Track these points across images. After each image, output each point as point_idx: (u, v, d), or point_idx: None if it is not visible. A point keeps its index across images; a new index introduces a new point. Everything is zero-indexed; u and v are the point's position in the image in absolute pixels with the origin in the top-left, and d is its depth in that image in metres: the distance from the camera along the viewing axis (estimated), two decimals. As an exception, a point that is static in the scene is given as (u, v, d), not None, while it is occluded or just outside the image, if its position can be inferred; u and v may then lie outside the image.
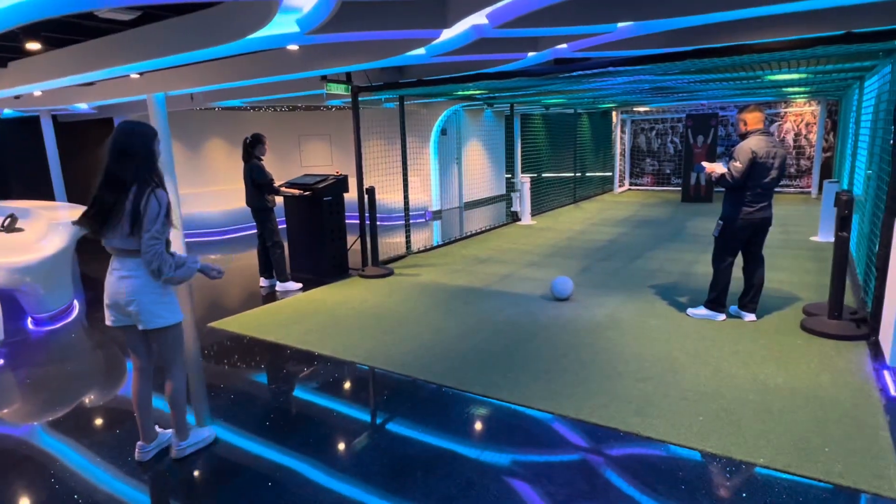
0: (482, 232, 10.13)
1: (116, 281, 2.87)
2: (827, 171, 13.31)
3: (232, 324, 5.48)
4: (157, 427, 3.29)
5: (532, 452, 3.11)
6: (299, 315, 5.64)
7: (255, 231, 6.80)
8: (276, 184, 6.82)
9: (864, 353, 4.22)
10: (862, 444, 3.04)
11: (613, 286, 6.25)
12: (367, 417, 3.63)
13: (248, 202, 6.54)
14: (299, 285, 6.71)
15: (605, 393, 3.73)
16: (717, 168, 4.70)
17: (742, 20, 4.69)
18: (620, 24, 4.27)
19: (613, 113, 15.72)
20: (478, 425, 3.42)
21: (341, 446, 3.28)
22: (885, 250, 4.33)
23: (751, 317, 4.97)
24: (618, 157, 15.90)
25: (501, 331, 4.94)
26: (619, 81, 7.33)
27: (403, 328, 5.11)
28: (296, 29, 4.16)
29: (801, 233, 8.87)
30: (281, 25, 4.08)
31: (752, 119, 4.63)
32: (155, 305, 2.88)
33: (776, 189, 4.56)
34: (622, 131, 16.06)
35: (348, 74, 7.11)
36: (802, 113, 13.64)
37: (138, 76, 7.55)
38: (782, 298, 5.57)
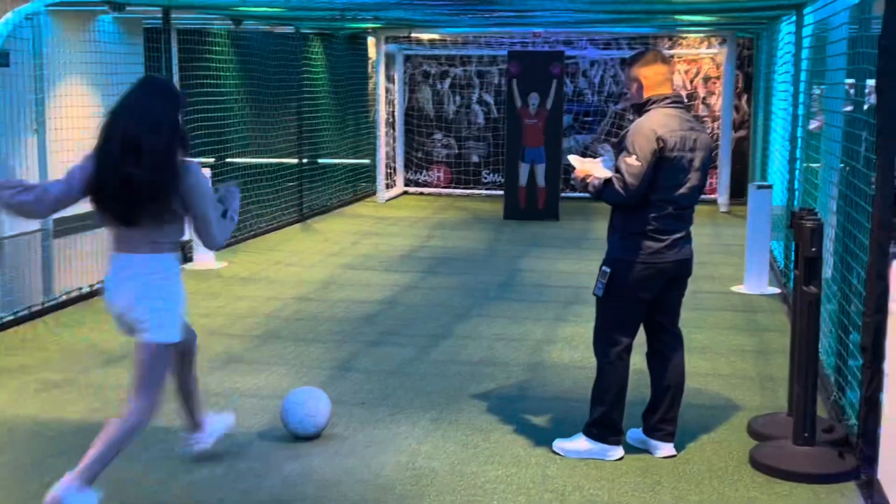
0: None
1: None
2: (740, 163, 9.30)
3: None
4: None
5: None
6: None
7: None
8: None
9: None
10: None
11: (406, 399, 4.21)
12: None
13: None
14: None
15: None
16: (595, 170, 3.15)
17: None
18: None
19: (372, 41, 10.45)
20: None
21: None
22: (879, 316, 2.81)
23: (667, 448, 3.52)
24: (382, 127, 10.52)
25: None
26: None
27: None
28: None
29: (714, 279, 6.00)
30: None
31: (654, 75, 3.21)
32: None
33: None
34: (388, 78, 11.30)
35: None
36: (698, 59, 9.58)
37: None
38: (707, 406, 3.94)
